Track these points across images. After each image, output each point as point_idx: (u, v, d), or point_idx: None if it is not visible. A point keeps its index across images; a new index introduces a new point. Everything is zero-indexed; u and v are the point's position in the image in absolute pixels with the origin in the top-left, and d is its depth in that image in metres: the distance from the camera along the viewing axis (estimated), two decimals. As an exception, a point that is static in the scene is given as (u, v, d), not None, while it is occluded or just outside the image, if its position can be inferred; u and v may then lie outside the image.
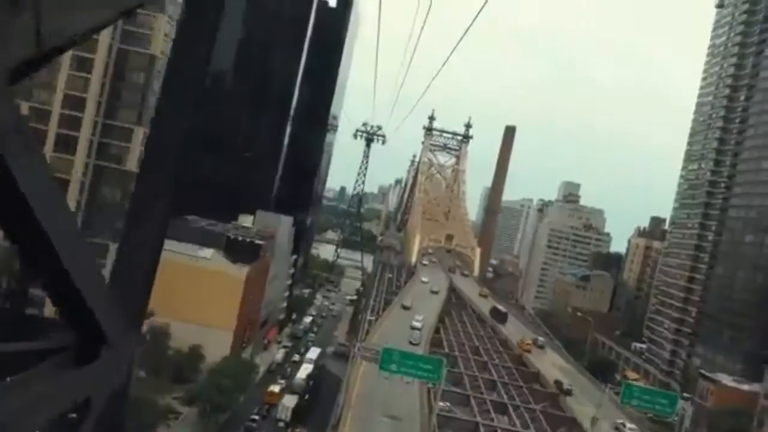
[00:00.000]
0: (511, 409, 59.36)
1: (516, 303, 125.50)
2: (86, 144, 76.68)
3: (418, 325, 75.14)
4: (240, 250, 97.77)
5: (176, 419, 77.03)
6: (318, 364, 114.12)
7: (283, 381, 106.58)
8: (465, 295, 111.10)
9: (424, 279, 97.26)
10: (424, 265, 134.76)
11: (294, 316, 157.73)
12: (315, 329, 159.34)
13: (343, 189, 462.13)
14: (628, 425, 61.06)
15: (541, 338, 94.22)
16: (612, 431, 59.79)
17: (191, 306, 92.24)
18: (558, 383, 70.14)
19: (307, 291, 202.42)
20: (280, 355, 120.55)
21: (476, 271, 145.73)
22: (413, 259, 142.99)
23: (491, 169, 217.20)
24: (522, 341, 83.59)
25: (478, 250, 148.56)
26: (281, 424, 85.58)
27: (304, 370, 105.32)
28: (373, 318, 71.93)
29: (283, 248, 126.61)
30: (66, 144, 76.57)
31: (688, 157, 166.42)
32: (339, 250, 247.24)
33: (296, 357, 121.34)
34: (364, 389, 56.35)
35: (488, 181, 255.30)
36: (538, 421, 57.63)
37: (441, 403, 52.14)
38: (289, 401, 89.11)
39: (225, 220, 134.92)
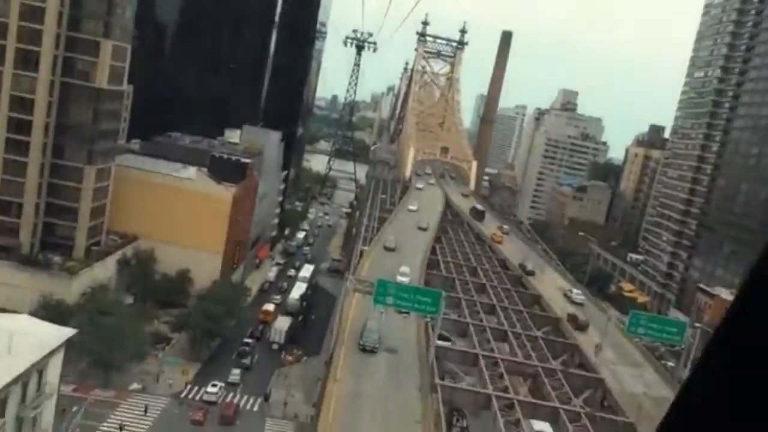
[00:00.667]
0: (511, 337, 56.90)
1: (514, 218, 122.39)
2: (50, 60, 70.12)
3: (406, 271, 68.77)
4: (226, 169, 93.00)
5: (165, 347, 74.89)
6: (311, 283, 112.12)
7: (278, 297, 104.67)
8: (462, 212, 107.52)
9: (411, 207, 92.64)
10: (419, 176, 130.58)
11: (287, 232, 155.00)
12: (309, 244, 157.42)
13: (334, 98, 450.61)
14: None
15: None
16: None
17: (177, 229, 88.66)
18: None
19: (300, 204, 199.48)
20: (272, 273, 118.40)
21: (472, 185, 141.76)
22: (407, 173, 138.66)
23: (486, 76, 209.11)
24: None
25: (474, 164, 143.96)
26: (275, 346, 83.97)
27: (298, 290, 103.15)
28: (366, 247, 68.21)
29: (272, 164, 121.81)
30: (26, 60, 69.95)
31: (694, 64, 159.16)
32: (331, 161, 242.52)
33: (291, 272, 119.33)
34: (358, 322, 53.50)
35: (483, 88, 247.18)
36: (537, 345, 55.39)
37: (439, 342, 49.24)
38: (283, 323, 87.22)
39: (211, 136, 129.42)
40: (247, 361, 77.86)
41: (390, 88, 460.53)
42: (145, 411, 58.81)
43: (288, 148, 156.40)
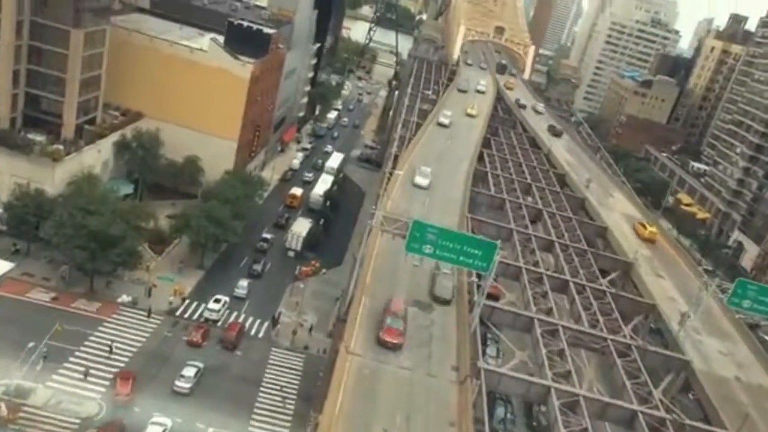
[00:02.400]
0: (573, 290, 45.57)
1: (570, 116, 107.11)
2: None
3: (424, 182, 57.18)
4: (245, 40, 78.91)
5: (160, 256, 65.08)
6: (339, 176, 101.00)
7: (299, 189, 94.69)
8: (516, 110, 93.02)
9: (443, 119, 76.58)
10: (469, 65, 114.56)
11: (318, 110, 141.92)
12: (342, 125, 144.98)
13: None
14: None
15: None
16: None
17: (186, 109, 76.73)
18: None
19: (336, 77, 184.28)
20: (297, 160, 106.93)
21: (527, 73, 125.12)
22: (455, 55, 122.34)
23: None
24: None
25: (531, 49, 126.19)
26: (291, 253, 74.28)
27: (322, 185, 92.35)
28: (399, 172, 55.77)
29: (303, 34, 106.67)
30: None
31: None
32: (372, 30, 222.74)
33: (319, 161, 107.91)
34: (383, 263, 42.47)
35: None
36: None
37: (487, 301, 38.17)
38: (300, 227, 76.94)
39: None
40: (259, 267, 68.45)
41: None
42: (110, 351, 49.75)
43: (325, 13, 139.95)
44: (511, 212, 56.52)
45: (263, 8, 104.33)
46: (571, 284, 46.07)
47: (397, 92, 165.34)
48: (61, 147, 62.76)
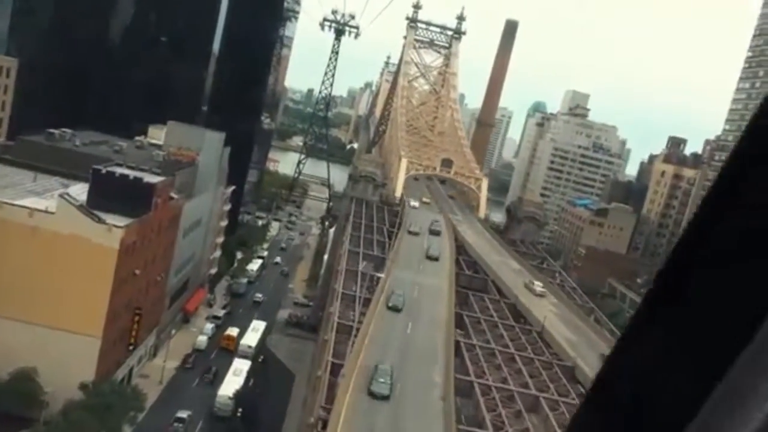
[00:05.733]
0: None
1: (541, 263, 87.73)
2: None
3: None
4: (119, 193, 56.82)
5: None
6: (257, 357, 76.70)
7: (210, 376, 70.12)
8: (484, 261, 72.82)
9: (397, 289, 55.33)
10: (414, 208, 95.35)
11: (238, 258, 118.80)
12: (279, 266, 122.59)
13: (310, 91, 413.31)
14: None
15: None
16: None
17: (23, 295, 52.49)
18: None
19: (263, 216, 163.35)
20: (204, 336, 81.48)
21: (482, 211, 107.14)
22: (398, 193, 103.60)
23: (476, 73, 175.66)
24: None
25: (485, 182, 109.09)
26: None
27: (233, 379, 67.42)
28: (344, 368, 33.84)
29: (211, 177, 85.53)
30: None
31: (751, 65, 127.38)
32: (303, 161, 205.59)
33: (234, 330, 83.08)
34: None
35: (469, 87, 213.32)
36: None
37: None
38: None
39: (136, 133, 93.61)
40: None
41: (368, 85, 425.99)
42: None
43: (247, 146, 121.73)
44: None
45: (158, 146, 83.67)
46: None
47: (331, 230, 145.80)
48: None
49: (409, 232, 77.98)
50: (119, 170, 59.88)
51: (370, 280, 61.99)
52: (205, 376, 71.00)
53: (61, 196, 53.43)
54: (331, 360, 44.56)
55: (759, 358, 1.03)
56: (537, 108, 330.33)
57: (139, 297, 61.87)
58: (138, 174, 60.11)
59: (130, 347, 61.94)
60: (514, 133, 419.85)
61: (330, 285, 74.77)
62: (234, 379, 66.82)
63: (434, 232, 79.66)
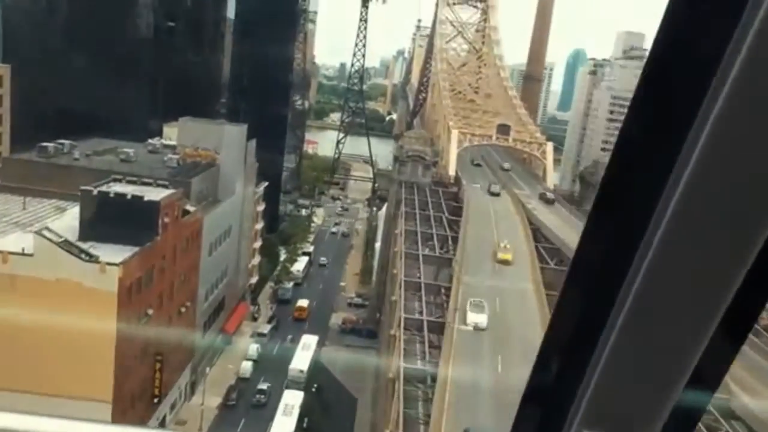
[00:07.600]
0: None
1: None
2: None
3: None
4: (117, 216, 45.62)
5: None
6: (311, 389, 65.40)
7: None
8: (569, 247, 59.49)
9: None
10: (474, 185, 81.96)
11: (283, 257, 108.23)
12: (324, 265, 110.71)
13: (342, 66, 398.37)
14: None
15: None
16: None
17: (12, 360, 42.12)
18: None
19: (306, 204, 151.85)
20: (248, 364, 70.19)
21: (550, 180, 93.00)
22: (451, 171, 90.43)
23: (512, 27, 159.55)
24: None
25: (549, 147, 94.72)
26: None
27: (284, 421, 56.35)
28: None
29: (235, 176, 73.74)
30: None
31: None
32: (342, 140, 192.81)
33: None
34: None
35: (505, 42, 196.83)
36: None
37: None
38: None
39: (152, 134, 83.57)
40: None
41: (400, 52, 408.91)
42: None
43: (278, 133, 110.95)
44: None
45: (172, 147, 72.59)
46: None
47: (380, 213, 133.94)
48: None
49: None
50: (116, 188, 48.61)
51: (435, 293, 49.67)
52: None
53: (37, 232, 42.30)
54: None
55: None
56: (577, 56, 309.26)
57: (159, 339, 50.97)
58: (138, 190, 48.70)
59: (155, 399, 51.32)
60: (554, 85, 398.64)
61: (387, 298, 62.74)
62: (284, 420, 55.73)
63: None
